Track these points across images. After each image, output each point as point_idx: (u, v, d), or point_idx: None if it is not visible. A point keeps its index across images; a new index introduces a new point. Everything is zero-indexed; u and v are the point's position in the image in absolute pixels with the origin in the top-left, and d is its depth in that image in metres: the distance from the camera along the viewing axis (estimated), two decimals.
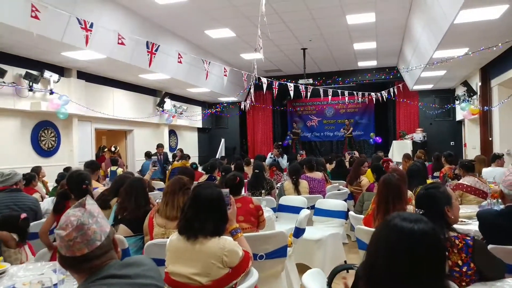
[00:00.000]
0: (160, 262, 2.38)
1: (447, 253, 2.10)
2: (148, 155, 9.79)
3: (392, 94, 11.64)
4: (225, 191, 2.51)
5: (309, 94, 10.53)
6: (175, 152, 11.28)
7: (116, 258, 1.43)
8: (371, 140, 15.93)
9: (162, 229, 3.11)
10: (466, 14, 6.00)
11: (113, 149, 10.11)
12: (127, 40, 6.26)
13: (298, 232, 3.90)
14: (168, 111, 12.43)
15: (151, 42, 6.18)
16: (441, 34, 7.06)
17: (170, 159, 10.64)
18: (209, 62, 7.34)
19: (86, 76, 9.32)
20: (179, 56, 6.77)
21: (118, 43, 5.76)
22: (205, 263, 2.18)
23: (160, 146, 10.26)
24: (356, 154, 12.42)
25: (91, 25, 5.39)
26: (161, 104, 12.16)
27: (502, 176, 3.03)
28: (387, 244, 1.39)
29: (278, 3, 7.44)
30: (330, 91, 11.06)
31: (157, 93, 12.37)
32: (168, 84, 11.49)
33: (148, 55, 6.18)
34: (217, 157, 13.14)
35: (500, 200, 3.29)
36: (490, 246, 2.64)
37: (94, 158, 9.43)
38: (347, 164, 8.73)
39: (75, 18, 5.48)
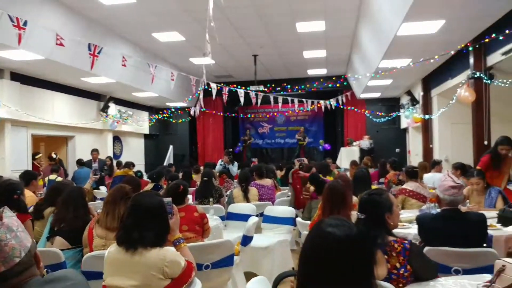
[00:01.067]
0: (99, 275, 2.28)
1: (386, 256, 2.17)
2: (80, 162, 9.12)
3: (340, 102, 11.95)
4: (167, 200, 2.42)
5: (259, 101, 10.57)
6: (119, 159, 10.90)
7: (38, 274, 1.31)
8: (320, 147, 16.27)
9: (103, 241, 2.95)
10: (408, 27, 6.30)
11: (53, 156, 9.48)
12: (68, 41, 5.98)
13: (246, 240, 3.86)
14: (113, 117, 11.97)
15: (93, 44, 5.93)
16: (386, 44, 7.35)
17: (115, 167, 10.23)
18: (155, 66, 7.17)
19: (21, 78, 8.72)
20: (124, 59, 6.56)
21: (56, 43, 5.48)
22: (145, 274, 2.09)
23: (94, 151, 9.57)
24: (305, 161, 12.61)
25: (25, 23, 5.10)
26: (105, 109, 11.70)
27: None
28: (313, 249, 1.41)
29: (229, 9, 7.42)
30: (280, 98, 11.17)
31: (101, 98, 11.88)
32: (113, 88, 11.10)
33: (90, 57, 5.92)
34: (165, 164, 12.81)
35: (437, 204, 3.44)
36: (426, 248, 2.76)
37: (31, 167, 8.86)
38: None
39: (6, 15, 5.16)
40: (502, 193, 4.84)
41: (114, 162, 10.64)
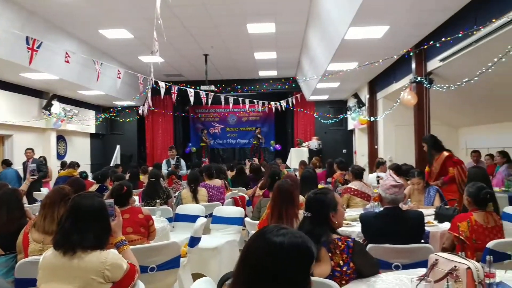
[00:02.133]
0: (35, 283, 2.16)
1: (330, 254, 2.21)
2: (6, 163, 8.49)
3: (290, 104, 12.14)
4: (109, 201, 2.34)
5: (210, 100, 10.49)
6: (64, 159, 10.39)
7: None
8: (271, 147, 16.45)
9: (40, 245, 2.80)
10: (355, 31, 6.50)
11: None
12: (2, 33, 5.59)
13: (194, 241, 3.81)
14: (57, 115, 11.42)
15: (31, 38, 5.57)
16: (334, 48, 7.54)
17: (58, 167, 9.74)
18: (101, 63, 6.90)
19: None
20: (67, 55, 6.25)
21: None
22: (84, 279, 2.01)
23: (28, 150, 8.86)
24: (256, 161, 12.69)
25: None
26: (48, 107, 11.14)
27: None
28: (256, 255, 1.36)
29: (179, 7, 7.29)
30: (231, 99, 11.16)
31: (43, 95, 11.30)
32: (56, 86, 10.59)
33: (28, 51, 5.57)
34: (111, 165, 12.40)
35: (379, 203, 3.57)
36: (369, 246, 2.86)
37: None
38: (247, 171, 8.85)
39: None
40: (439, 191, 5.12)
41: (55, 162, 10.13)
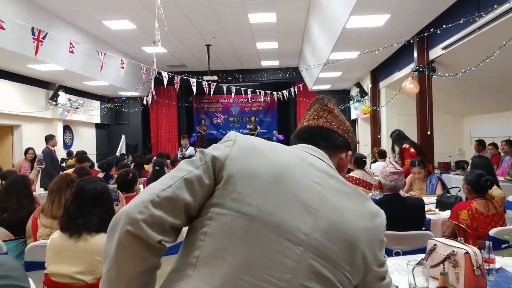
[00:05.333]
0: (43, 265, 2.22)
1: None
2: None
3: (293, 93, 12.14)
4: (113, 186, 2.42)
5: (212, 90, 10.53)
6: (70, 149, 10.49)
7: None
8: (274, 137, 16.48)
9: (48, 230, 2.89)
10: (356, 20, 6.49)
11: None
12: (9, 25, 5.64)
13: None
14: (63, 105, 11.53)
15: (37, 29, 5.63)
16: (335, 37, 7.53)
17: (65, 157, 9.84)
18: (105, 53, 6.95)
19: None
20: (71, 46, 6.30)
21: None
22: (90, 260, 2.09)
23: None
24: None
25: None
26: (54, 97, 11.24)
27: None
28: None
29: None
30: (233, 89, 11.19)
31: (50, 86, 11.38)
32: (62, 76, 10.65)
33: (34, 42, 5.63)
34: (117, 154, 12.51)
35: (380, 191, 3.61)
36: None
37: None
38: None
39: None
40: (441, 179, 5.17)
41: (62, 152, 10.24)
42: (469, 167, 7.81)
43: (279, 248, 0.90)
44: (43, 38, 5.66)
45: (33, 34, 5.62)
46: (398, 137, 6.48)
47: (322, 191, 0.99)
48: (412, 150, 5.99)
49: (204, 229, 0.92)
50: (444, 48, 6.64)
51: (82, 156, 6.52)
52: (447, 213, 3.77)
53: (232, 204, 0.92)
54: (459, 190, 4.71)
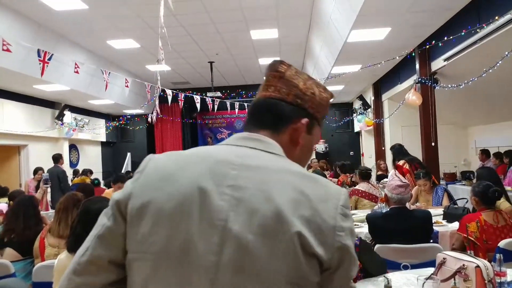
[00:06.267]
0: (51, 285, 2.22)
1: None
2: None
3: None
4: None
5: (216, 107, 10.60)
6: (76, 168, 10.53)
7: None
8: None
9: (55, 250, 2.89)
10: (357, 34, 6.57)
11: None
12: (15, 47, 5.74)
13: None
14: (68, 125, 11.63)
15: (43, 50, 5.72)
16: (337, 51, 7.60)
17: (71, 176, 9.88)
18: (109, 73, 7.03)
19: None
20: (76, 66, 6.39)
21: (3, 49, 5.25)
22: None
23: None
24: None
25: None
26: (60, 117, 11.35)
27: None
28: None
29: (183, 16, 7.42)
30: (237, 104, 11.25)
31: (55, 105, 11.51)
32: (68, 96, 10.77)
33: (40, 64, 5.72)
34: (123, 172, 12.55)
35: (386, 204, 3.60)
36: (377, 246, 2.88)
37: None
38: None
39: None
40: (447, 191, 5.14)
41: (68, 171, 10.27)
42: (475, 177, 7.83)
43: (188, 281, 0.81)
44: (49, 59, 5.75)
45: (39, 55, 5.72)
46: (398, 153, 6.48)
47: (234, 194, 0.83)
48: (406, 167, 5.99)
49: (128, 278, 0.88)
50: (446, 60, 6.67)
51: (117, 176, 6.49)
52: (455, 225, 3.74)
53: (138, 247, 0.84)
54: (466, 202, 4.68)
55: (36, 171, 7.72)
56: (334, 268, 0.83)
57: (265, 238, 0.80)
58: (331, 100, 1.09)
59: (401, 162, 6.06)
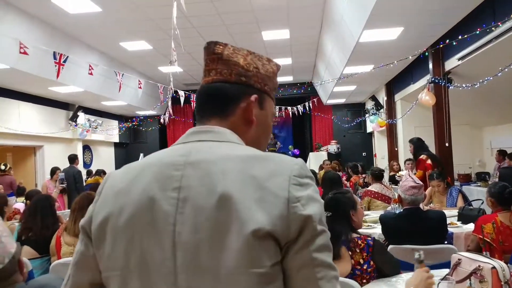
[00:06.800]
0: None
1: (350, 252, 2.27)
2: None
3: (307, 108, 12.17)
4: None
5: None
6: (89, 168, 10.66)
7: (21, 281, 1.30)
8: (290, 152, 16.44)
9: (71, 248, 2.95)
10: (369, 34, 6.53)
11: (2, 167, 8.27)
12: (32, 50, 5.85)
13: None
14: (82, 126, 11.79)
15: (58, 53, 5.83)
16: (349, 51, 7.57)
17: (85, 176, 10.03)
18: (122, 74, 7.12)
19: None
20: (90, 68, 6.48)
21: (20, 52, 5.36)
22: None
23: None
24: None
25: None
26: (74, 118, 11.52)
27: None
28: None
29: (195, 17, 7.47)
30: None
31: (69, 107, 11.69)
32: (81, 97, 10.93)
33: (55, 66, 5.82)
34: None
35: (399, 204, 3.58)
36: (390, 247, 2.87)
37: None
38: None
39: None
40: (462, 192, 5.09)
41: (82, 171, 10.40)
42: (491, 178, 7.73)
43: None
44: (64, 61, 5.86)
45: (54, 58, 5.84)
46: (420, 146, 6.38)
47: (179, 196, 0.82)
48: (428, 161, 5.92)
49: None
50: (460, 59, 6.59)
51: None
52: (470, 226, 3.70)
53: (107, 265, 0.86)
54: (482, 203, 4.62)
55: (53, 171, 7.81)
56: (292, 240, 0.78)
57: (215, 232, 0.78)
58: (278, 71, 1.07)
59: (423, 157, 5.98)
